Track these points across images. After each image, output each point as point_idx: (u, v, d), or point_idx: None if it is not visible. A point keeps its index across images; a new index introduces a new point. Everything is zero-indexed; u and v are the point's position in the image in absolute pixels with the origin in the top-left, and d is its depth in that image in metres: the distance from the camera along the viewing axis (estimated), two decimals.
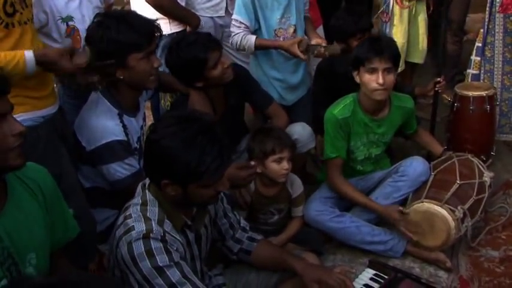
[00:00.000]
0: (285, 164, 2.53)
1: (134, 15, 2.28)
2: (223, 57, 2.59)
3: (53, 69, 2.09)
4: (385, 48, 2.60)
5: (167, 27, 3.21)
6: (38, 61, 2.00)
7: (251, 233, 2.21)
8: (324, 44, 2.97)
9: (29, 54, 1.99)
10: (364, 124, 2.77)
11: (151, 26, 2.26)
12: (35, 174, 1.63)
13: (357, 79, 2.69)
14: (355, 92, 2.75)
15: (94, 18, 2.30)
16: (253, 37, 2.95)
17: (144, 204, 1.81)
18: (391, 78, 2.61)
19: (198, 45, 2.52)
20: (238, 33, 2.92)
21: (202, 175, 1.70)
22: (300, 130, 2.82)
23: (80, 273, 1.15)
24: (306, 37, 3.03)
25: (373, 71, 2.60)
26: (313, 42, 3.04)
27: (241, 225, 2.20)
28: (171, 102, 3.11)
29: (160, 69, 2.70)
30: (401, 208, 2.64)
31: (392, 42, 2.74)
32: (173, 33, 3.22)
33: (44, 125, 2.18)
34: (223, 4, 3.41)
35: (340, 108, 2.73)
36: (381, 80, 2.58)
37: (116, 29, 2.17)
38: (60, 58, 2.04)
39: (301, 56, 2.90)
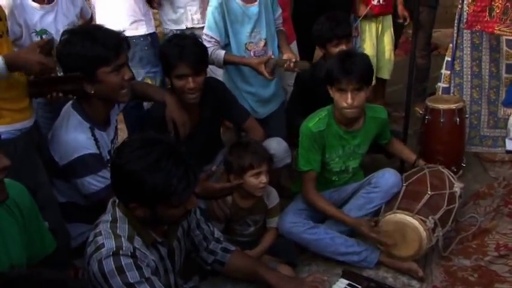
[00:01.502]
0: (263, 178, 2.56)
1: (100, 29, 2.27)
2: (193, 78, 2.58)
3: (23, 66, 2.07)
4: (355, 68, 2.61)
5: (143, 28, 3.27)
6: (8, 62, 1.99)
7: (225, 243, 2.23)
8: (293, 60, 3.01)
9: None
10: (339, 136, 2.81)
11: (118, 39, 2.26)
12: (12, 191, 1.62)
13: (330, 93, 2.73)
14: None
15: (61, 35, 2.29)
16: (223, 52, 2.98)
17: (114, 221, 1.82)
18: (361, 97, 2.65)
19: (178, 50, 2.56)
20: (208, 47, 2.94)
21: (170, 197, 1.72)
22: (276, 146, 2.85)
23: (57, 273, 1.16)
24: (273, 56, 3.06)
25: (342, 90, 2.64)
26: (285, 56, 3.09)
27: (215, 236, 2.21)
28: (148, 109, 3.10)
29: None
30: (371, 219, 2.69)
31: (363, 59, 2.73)
32: (149, 34, 3.30)
33: (20, 138, 2.18)
34: (188, 16, 3.47)
35: (315, 122, 2.77)
36: (349, 101, 2.62)
37: (81, 45, 2.18)
38: (25, 53, 2.03)
39: (267, 75, 2.94)
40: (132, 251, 1.75)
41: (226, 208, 2.59)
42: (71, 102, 2.36)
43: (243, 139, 2.83)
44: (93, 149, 2.27)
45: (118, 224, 1.81)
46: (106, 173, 2.27)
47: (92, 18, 2.95)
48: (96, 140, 2.31)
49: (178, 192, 1.71)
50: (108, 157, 2.38)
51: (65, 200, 2.41)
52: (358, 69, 2.62)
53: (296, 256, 2.74)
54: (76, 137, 2.25)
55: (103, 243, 1.75)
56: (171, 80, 2.65)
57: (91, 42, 2.18)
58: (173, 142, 1.83)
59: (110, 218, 1.83)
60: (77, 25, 2.72)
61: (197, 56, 2.61)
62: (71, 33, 2.26)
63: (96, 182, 2.26)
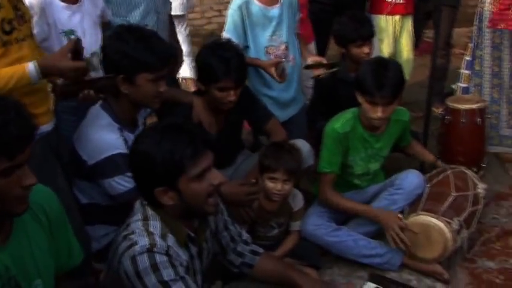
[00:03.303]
0: (278, 185, 2.53)
1: (155, 36, 2.28)
2: (235, 91, 2.57)
3: (55, 74, 2.07)
4: (389, 83, 2.54)
5: None
6: (41, 69, 1.98)
7: (253, 246, 2.19)
8: (324, 71, 3.06)
9: (32, 64, 1.97)
10: (363, 139, 2.78)
11: (169, 50, 2.28)
12: (40, 198, 1.59)
13: (359, 99, 2.67)
14: (355, 100, 2.71)
15: (115, 29, 2.32)
16: None
17: (145, 219, 1.80)
18: (391, 109, 2.61)
19: (225, 65, 2.53)
20: None
21: (182, 165, 1.70)
22: (300, 147, 2.81)
23: None
24: (284, 60, 3.06)
25: (373, 104, 2.59)
26: (310, 61, 3.08)
27: (243, 238, 2.18)
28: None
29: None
30: (400, 215, 2.66)
31: (397, 71, 2.64)
32: None
33: (38, 143, 2.14)
34: None
35: (341, 123, 2.74)
36: (379, 114, 2.59)
37: (134, 45, 2.18)
38: (55, 61, 2.02)
39: (277, 78, 2.93)
40: (166, 249, 1.73)
41: (252, 211, 2.57)
42: (99, 102, 2.35)
43: (281, 141, 2.77)
44: (123, 149, 2.25)
45: (150, 222, 1.79)
46: None
47: (109, 22, 2.92)
48: (125, 140, 2.29)
49: (187, 157, 1.70)
50: None
51: (87, 201, 2.40)
52: (392, 84, 2.56)
53: (318, 259, 2.71)
54: (106, 136, 2.24)
55: (136, 241, 1.72)
56: (208, 88, 2.61)
57: (144, 46, 2.19)
58: (178, 119, 1.86)
59: (141, 217, 1.80)
60: (100, 26, 2.69)
61: (242, 70, 2.60)
62: (125, 30, 2.27)
63: (125, 182, 2.24)
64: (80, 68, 2.06)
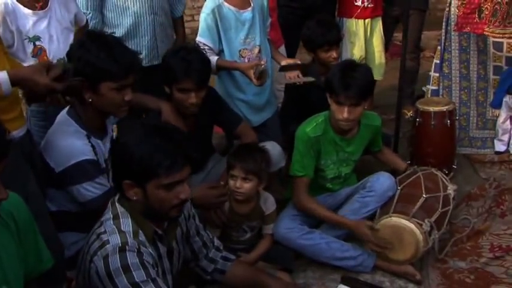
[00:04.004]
0: (236, 183, 2.53)
1: (119, 44, 2.26)
2: (195, 93, 2.57)
3: (28, 86, 2.04)
4: (355, 84, 2.57)
5: None
6: (13, 80, 1.95)
7: (225, 252, 2.20)
8: (302, 80, 3.09)
9: (2, 75, 1.94)
10: (335, 143, 2.80)
11: (133, 59, 2.24)
12: (9, 204, 1.57)
13: (329, 101, 2.70)
14: (326, 103, 2.74)
15: (83, 36, 2.30)
16: (215, 58, 2.96)
17: (115, 217, 1.80)
18: (358, 111, 2.63)
19: (185, 66, 2.53)
20: None
21: (155, 171, 1.71)
22: (270, 149, 2.81)
23: None
24: (263, 61, 3.03)
25: (340, 103, 2.61)
26: (284, 63, 3.08)
27: (215, 244, 2.18)
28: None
29: None
30: (370, 223, 2.67)
31: (365, 73, 2.67)
32: None
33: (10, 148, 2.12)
34: None
35: (312, 127, 2.75)
36: (345, 115, 2.60)
37: (96, 54, 2.15)
38: (33, 74, 1.99)
39: (254, 81, 2.92)
40: (137, 247, 1.73)
41: (223, 215, 2.56)
42: (66, 109, 2.32)
43: (252, 142, 2.79)
44: (91, 155, 2.24)
45: (121, 220, 1.79)
46: (103, 180, 2.25)
47: (87, 24, 2.88)
48: (93, 146, 2.27)
49: (163, 167, 1.71)
50: (104, 165, 2.33)
51: (56, 208, 2.36)
52: (358, 84, 2.58)
53: (291, 262, 2.71)
54: (73, 142, 2.22)
55: (108, 240, 1.73)
56: (170, 89, 2.61)
57: (106, 54, 2.15)
58: (170, 125, 1.89)
59: (112, 215, 1.81)
60: (72, 32, 2.66)
61: (202, 72, 2.60)
62: (89, 37, 2.25)
63: (93, 188, 2.23)
64: (54, 88, 2.04)
